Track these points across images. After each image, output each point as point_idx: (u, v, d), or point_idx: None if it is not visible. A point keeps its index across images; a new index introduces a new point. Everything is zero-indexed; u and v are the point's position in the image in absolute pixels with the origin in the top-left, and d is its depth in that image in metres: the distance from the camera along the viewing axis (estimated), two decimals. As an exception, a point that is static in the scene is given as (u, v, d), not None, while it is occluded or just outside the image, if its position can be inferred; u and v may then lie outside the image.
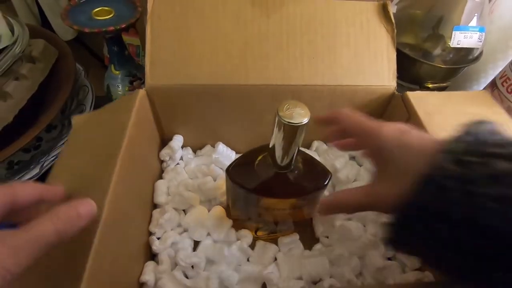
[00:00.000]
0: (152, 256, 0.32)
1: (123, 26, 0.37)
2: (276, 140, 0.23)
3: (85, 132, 0.29)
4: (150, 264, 0.30)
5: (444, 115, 0.31)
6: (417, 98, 0.33)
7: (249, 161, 0.27)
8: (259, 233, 0.33)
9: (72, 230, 0.17)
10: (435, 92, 0.34)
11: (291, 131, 0.22)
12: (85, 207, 0.18)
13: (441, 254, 0.17)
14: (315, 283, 0.30)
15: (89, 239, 0.20)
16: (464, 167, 0.15)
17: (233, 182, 0.27)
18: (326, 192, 0.36)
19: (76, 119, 0.30)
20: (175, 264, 0.30)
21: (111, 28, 0.37)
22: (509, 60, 0.35)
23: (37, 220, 0.16)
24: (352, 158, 0.41)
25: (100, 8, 0.39)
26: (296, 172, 0.27)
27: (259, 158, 0.27)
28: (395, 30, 0.35)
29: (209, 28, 0.33)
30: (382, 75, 0.35)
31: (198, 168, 0.38)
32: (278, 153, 0.24)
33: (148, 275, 0.29)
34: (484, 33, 0.38)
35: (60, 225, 0.16)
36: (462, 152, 0.16)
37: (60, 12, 0.37)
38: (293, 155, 0.25)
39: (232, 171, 0.27)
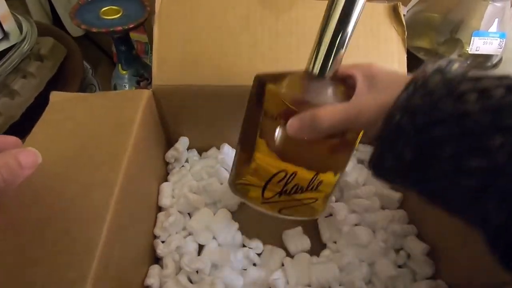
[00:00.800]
0: (157, 259, 0.31)
1: (131, 26, 0.37)
2: (325, 23, 0.21)
3: (69, 112, 0.28)
4: (154, 268, 0.29)
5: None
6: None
7: (281, 74, 0.24)
8: (268, 194, 0.25)
9: (12, 179, 0.17)
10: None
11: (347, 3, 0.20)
12: (27, 156, 0.18)
13: (434, 171, 0.16)
14: (323, 290, 0.29)
15: (95, 241, 0.20)
16: (450, 77, 0.17)
17: (259, 86, 0.23)
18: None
19: (55, 96, 0.29)
20: (179, 268, 0.30)
21: (119, 28, 0.36)
22: (530, 68, 0.34)
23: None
24: (361, 162, 0.40)
25: (108, 7, 0.39)
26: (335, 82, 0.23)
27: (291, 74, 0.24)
28: (406, 33, 0.34)
29: (218, 28, 0.33)
30: (393, 78, 0.35)
31: (203, 170, 0.37)
32: (326, 42, 0.21)
33: (153, 279, 0.28)
34: (505, 39, 0.37)
35: None
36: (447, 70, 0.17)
37: (69, 11, 0.37)
38: (343, 46, 0.21)
39: (262, 76, 0.24)
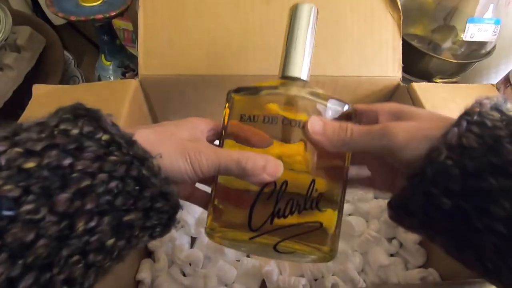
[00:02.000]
0: (149, 253, 0.31)
1: (113, 14, 0.35)
2: (287, 35, 0.21)
3: (53, 106, 0.27)
4: (146, 262, 0.29)
5: (450, 109, 0.30)
6: (424, 90, 0.32)
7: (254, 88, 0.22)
8: (256, 221, 0.19)
9: (248, 174, 0.17)
10: (442, 84, 0.33)
11: (300, 16, 0.21)
12: (274, 166, 0.18)
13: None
14: (316, 280, 0.29)
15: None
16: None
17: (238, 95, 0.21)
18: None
19: (38, 89, 0.28)
20: (172, 262, 0.30)
21: (100, 16, 0.34)
22: (525, 55, 0.34)
23: (230, 149, 0.19)
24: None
25: None
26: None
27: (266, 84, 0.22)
28: (402, 18, 0.33)
29: (207, 15, 0.31)
30: (387, 66, 0.34)
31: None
32: (288, 51, 0.21)
33: (144, 273, 0.28)
34: (499, 26, 0.36)
35: (242, 161, 0.17)
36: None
37: None
38: (305, 56, 0.21)
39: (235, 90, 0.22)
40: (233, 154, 0.17)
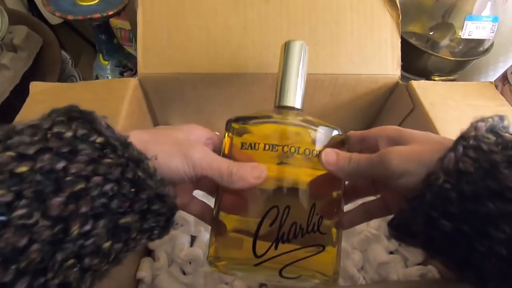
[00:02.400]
0: (149, 252, 0.31)
1: (111, 13, 0.35)
2: (280, 69, 0.23)
3: (50, 104, 0.27)
4: (146, 261, 0.29)
5: (449, 107, 0.30)
6: (423, 88, 0.32)
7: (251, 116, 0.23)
8: (261, 248, 0.19)
9: (235, 181, 0.18)
10: (440, 82, 0.33)
11: (292, 52, 0.23)
12: (259, 170, 0.19)
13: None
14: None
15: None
16: (507, 139, 0.15)
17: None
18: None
19: (35, 87, 0.28)
20: (172, 260, 0.29)
21: (97, 15, 0.34)
22: (523, 52, 0.34)
23: (220, 158, 0.19)
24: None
25: None
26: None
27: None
28: (400, 16, 0.34)
29: (206, 13, 0.31)
30: (386, 64, 0.34)
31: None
32: (283, 82, 0.23)
33: (144, 272, 0.28)
34: (497, 23, 0.36)
35: (232, 168, 0.18)
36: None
37: None
38: (298, 86, 0.23)
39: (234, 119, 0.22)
40: (223, 163, 0.18)
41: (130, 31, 0.51)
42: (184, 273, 0.29)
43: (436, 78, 0.40)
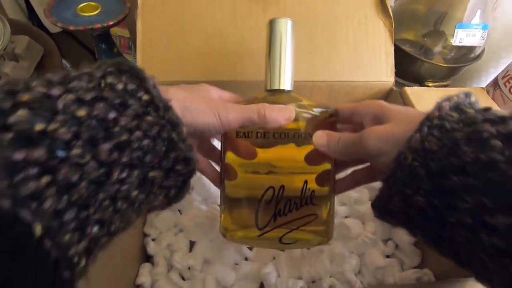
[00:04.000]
0: (148, 257, 0.31)
1: (111, 23, 0.35)
2: (267, 50, 0.23)
3: None
4: (145, 266, 0.29)
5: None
6: (416, 94, 0.33)
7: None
8: (262, 222, 0.22)
9: (268, 121, 0.20)
10: (433, 88, 0.34)
11: (277, 31, 0.23)
12: (288, 112, 0.21)
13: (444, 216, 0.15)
14: (314, 282, 0.30)
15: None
16: (470, 116, 0.16)
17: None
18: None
19: None
20: (171, 266, 0.30)
21: (98, 25, 0.35)
22: (513, 59, 0.35)
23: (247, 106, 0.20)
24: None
25: (86, 3, 0.37)
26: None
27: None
28: (393, 24, 0.34)
29: (204, 22, 0.32)
30: (380, 70, 0.35)
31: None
32: (271, 65, 0.23)
33: (144, 277, 0.28)
34: (487, 31, 0.37)
35: (261, 111, 0.20)
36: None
37: (44, 8, 0.35)
38: (287, 68, 0.23)
39: None
40: (253, 107, 0.20)
41: (129, 39, 0.51)
42: (183, 278, 0.30)
43: (430, 84, 0.41)
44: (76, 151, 0.12)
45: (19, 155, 0.11)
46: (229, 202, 0.24)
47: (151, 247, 0.30)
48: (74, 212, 0.12)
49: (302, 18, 0.34)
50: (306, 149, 0.22)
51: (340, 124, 0.24)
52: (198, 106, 0.18)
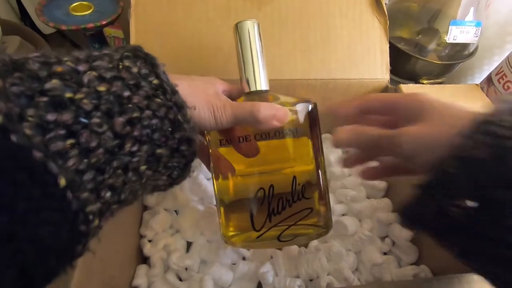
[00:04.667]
0: (144, 259, 0.31)
1: (104, 22, 0.35)
2: (238, 54, 0.24)
3: None
4: (142, 268, 0.29)
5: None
6: (411, 91, 0.33)
7: None
8: (258, 223, 0.23)
9: (261, 122, 0.20)
10: (428, 85, 0.34)
11: (245, 34, 0.23)
12: (282, 114, 0.21)
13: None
14: (312, 280, 0.30)
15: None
16: None
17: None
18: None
19: None
20: (168, 267, 0.29)
21: (91, 25, 0.35)
22: (506, 56, 0.35)
23: (242, 102, 0.22)
24: (346, 152, 0.40)
25: (78, 3, 0.36)
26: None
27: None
28: (388, 22, 0.35)
29: (198, 21, 0.32)
30: (375, 68, 0.35)
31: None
32: (242, 65, 0.24)
33: (140, 279, 0.28)
34: (480, 28, 0.37)
35: (255, 110, 0.20)
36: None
37: (35, 8, 0.35)
38: (260, 68, 0.24)
39: None
40: (246, 106, 0.21)
41: (123, 40, 0.51)
42: (180, 279, 0.29)
43: (425, 82, 0.41)
44: (95, 120, 0.14)
45: (51, 116, 0.13)
46: (224, 208, 0.25)
47: (148, 249, 0.30)
48: (92, 174, 0.14)
49: (296, 16, 0.34)
50: (290, 146, 0.23)
51: (374, 115, 0.23)
52: (199, 101, 0.19)
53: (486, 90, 0.35)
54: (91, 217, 0.14)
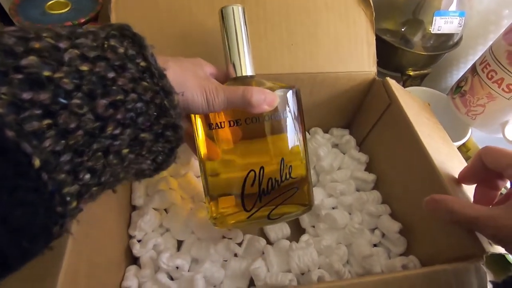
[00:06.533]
0: (135, 260, 0.30)
1: (83, 20, 0.34)
2: (223, 39, 0.24)
3: None
4: (131, 269, 0.28)
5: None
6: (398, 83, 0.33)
7: None
8: (248, 204, 0.24)
9: (253, 106, 0.21)
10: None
11: (228, 17, 0.23)
12: (271, 98, 0.22)
13: None
14: (303, 274, 0.30)
15: (60, 250, 0.18)
16: None
17: None
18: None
19: None
20: (158, 267, 0.29)
21: (69, 23, 0.34)
22: (489, 45, 0.35)
23: (233, 85, 0.21)
24: (335, 145, 0.41)
25: (54, 1, 0.35)
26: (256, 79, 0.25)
27: None
28: (374, 14, 0.34)
29: (182, 16, 0.31)
30: (362, 61, 0.35)
31: (178, 165, 0.36)
32: (228, 51, 0.24)
33: (130, 281, 0.27)
34: (464, 18, 0.38)
35: (248, 95, 0.20)
36: None
37: (9, 7, 0.33)
38: (246, 54, 0.24)
39: None
40: (238, 90, 0.21)
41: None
42: (171, 278, 0.29)
43: (411, 73, 0.41)
44: (76, 101, 0.13)
45: (27, 95, 0.12)
46: (213, 192, 0.25)
47: (137, 249, 0.29)
48: (70, 156, 0.13)
49: (282, 10, 0.33)
50: (278, 129, 0.24)
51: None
52: (190, 84, 0.19)
53: (471, 80, 0.36)
54: (68, 198, 0.14)
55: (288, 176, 0.24)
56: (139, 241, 0.30)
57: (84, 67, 0.14)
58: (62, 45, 0.14)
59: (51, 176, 0.13)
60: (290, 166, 0.24)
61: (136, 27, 0.30)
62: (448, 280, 0.21)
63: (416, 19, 0.38)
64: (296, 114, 0.25)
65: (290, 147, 0.25)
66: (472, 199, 0.25)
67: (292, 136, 0.25)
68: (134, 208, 0.33)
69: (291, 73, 0.34)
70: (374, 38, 0.35)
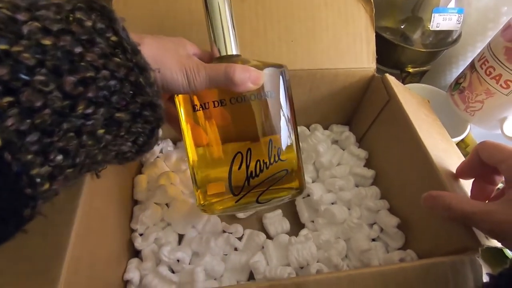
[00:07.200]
0: (136, 253, 0.31)
1: None
2: (207, 19, 0.23)
3: None
4: (133, 261, 0.29)
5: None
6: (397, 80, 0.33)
7: None
8: (236, 186, 0.23)
9: (236, 84, 0.20)
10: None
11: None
12: (256, 76, 0.21)
13: None
14: (302, 267, 0.30)
15: (63, 243, 0.19)
16: None
17: None
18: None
19: None
20: (159, 260, 0.30)
21: None
22: (487, 42, 0.35)
23: (216, 63, 0.20)
24: (335, 142, 0.41)
25: None
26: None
27: None
28: (374, 10, 0.34)
29: (182, 14, 0.32)
30: (361, 58, 0.35)
31: (179, 159, 0.37)
32: (212, 29, 0.23)
33: (132, 273, 0.28)
34: (462, 15, 0.38)
35: (230, 72, 0.19)
36: None
37: None
38: (230, 32, 0.23)
39: None
40: (220, 68, 0.20)
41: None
42: (172, 271, 0.30)
43: (410, 70, 0.41)
44: (39, 77, 0.12)
45: None
46: (200, 178, 0.24)
47: (139, 242, 0.30)
48: (37, 136, 0.13)
49: (281, 6, 0.34)
50: (265, 108, 0.23)
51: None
52: (169, 61, 0.18)
53: (470, 76, 0.36)
54: (38, 180, 0.13)
55: (277, 158, 0.23)
56: (141, 234, 0.31)
57: (47, 41, 0.13)
58: (21, 17, 0.13)
59: (15, 157, 0.12)
60: (279, 148, 0.23)
61: (136, 24, 0.31)
62: (444, 272, 0.21)
63: (415, 17, 0.38)
64: (284, 93, 0.24)
65: (278, 126, 0.24)
66: (469, 194, 0.25)
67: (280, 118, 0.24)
68: (136, 202, 0.34)
69: (290, 70, 0.34)
70: (374, 34, 0.35)
